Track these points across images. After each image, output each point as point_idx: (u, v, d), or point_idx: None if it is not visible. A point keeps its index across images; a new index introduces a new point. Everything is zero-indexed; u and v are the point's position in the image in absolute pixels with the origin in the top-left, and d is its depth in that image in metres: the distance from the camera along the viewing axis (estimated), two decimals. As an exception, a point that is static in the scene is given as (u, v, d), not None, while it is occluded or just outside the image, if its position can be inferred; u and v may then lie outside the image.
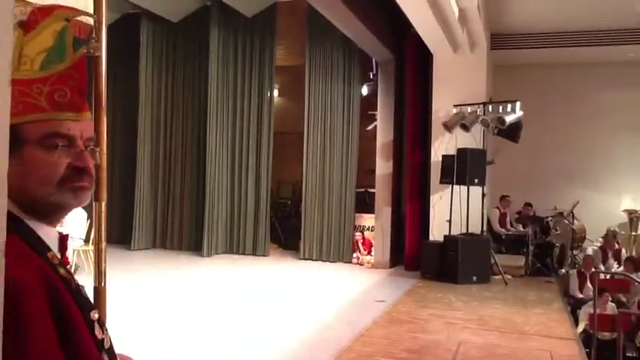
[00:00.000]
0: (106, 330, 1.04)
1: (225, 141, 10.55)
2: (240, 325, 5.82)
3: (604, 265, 9.20)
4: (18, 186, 0.94)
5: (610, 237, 9.65)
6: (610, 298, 7.33)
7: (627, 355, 6.86)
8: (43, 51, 0.98)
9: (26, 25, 0.98)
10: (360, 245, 10.00)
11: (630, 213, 10.58)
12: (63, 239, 1.04)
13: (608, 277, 8.45)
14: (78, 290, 0.99)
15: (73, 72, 0.99)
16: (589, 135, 10.79)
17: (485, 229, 8.91)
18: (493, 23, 9.72)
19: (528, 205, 10.04)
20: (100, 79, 1.62)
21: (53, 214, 1.01)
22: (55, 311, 0.89)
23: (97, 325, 1.00)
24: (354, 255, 9.99)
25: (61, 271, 0.96)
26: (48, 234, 1.00)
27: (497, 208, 9.88)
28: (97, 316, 1.01)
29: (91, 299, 1.06)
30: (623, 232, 10.42)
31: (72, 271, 1.02)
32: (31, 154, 0.96)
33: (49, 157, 0.96)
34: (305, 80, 10.28)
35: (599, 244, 9.68)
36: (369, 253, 9.90)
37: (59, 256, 0.99)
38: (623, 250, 9.66)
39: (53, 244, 1.00)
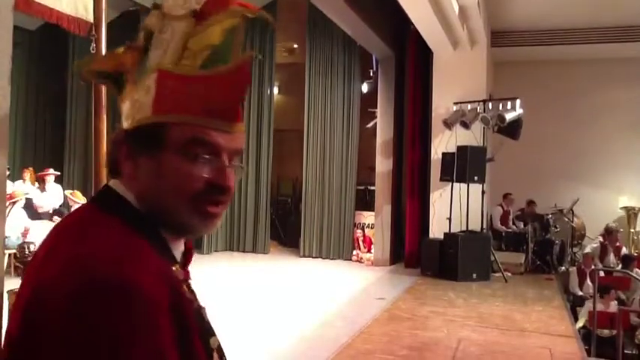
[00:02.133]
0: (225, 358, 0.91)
1: (225, 138, 10.53)
2: (240, 322, 5.82)
3: (603, 262, 9.18)
4: (152, 193, 0.84)
5: (614, 234, 9.62)
6: (614, 297, 7.32)
7: (626, 352, 6.86)
8: (207, 47, 0.84)
9: (198, 16, 0.86)
10: (360, 242, 10.00)
11: (628, 210, 10.57)
12: (188, 253, 0.94)
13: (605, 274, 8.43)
14: (199, 313, 0.87)
15: (236, 77, 0.85)
16: (589, 132, 10.76)
17: (486, 226, 8.91)
18: (493, 20, 9.69)
19: (531, 202, 10.02)
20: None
21: (177, 231, 0.89)
22: (179, 336, 0.75)
23: (216, 355, 0.87)
24: (354, 252, 9.99)
25: (185, 288, 0.84)
26: (176, 246, 0.90)
27: (501, 205, 9.87)
28: (217, 343, 0.88)
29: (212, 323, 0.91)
30: (622, 230, 10.41)
31: None
32: (170, 160, 0.83)
33: (188, 168, 0.83)
34: (305, 77, 10.26)
35: (596, 244, 9.64)
36: (369, 250, 9.90)
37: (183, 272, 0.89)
38: (624, 248, 9.65)
39: (177, 258, 0.90)
